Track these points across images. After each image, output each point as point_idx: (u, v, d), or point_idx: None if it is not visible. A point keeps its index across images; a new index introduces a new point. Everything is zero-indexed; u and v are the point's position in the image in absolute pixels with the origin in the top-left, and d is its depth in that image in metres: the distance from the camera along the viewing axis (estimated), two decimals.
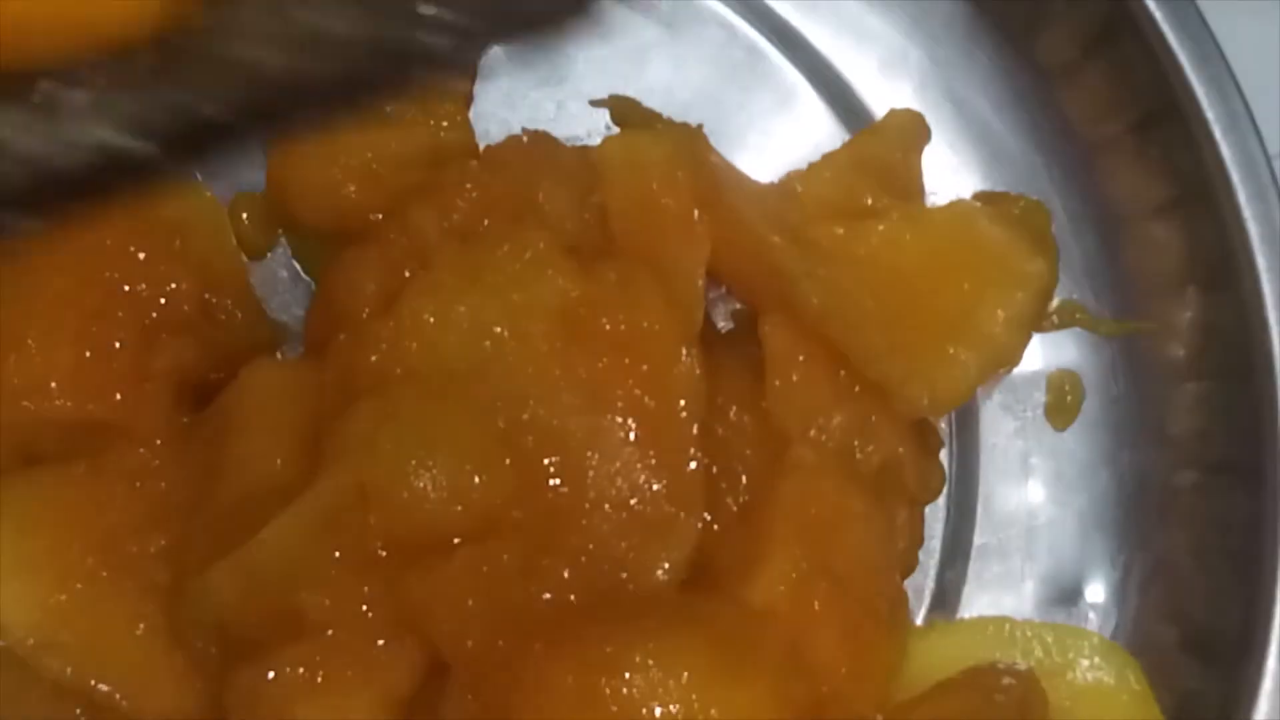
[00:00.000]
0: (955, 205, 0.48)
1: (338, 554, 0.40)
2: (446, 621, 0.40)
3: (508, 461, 0.41)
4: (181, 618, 0.42)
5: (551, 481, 0.41)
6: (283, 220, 0.48)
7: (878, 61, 0.51)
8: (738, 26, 0.51)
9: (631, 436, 0.42)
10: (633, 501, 0.42)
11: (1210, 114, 0.45)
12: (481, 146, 0.48)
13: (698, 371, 0.42)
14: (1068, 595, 0.49)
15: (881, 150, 0.48)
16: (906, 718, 0.44)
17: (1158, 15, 0.45)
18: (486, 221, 0.45)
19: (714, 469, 0.44)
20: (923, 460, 0.47)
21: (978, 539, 0.49)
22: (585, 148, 0.47)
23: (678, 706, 0.39)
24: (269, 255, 0.49)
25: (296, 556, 0.40)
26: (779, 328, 0.45)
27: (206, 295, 0.46)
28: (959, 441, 0.50)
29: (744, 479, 0.44)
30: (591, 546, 0.41)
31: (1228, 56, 0.45)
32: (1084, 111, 0.50)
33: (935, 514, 0.49)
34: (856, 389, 0.45)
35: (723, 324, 0.48)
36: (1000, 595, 0.49)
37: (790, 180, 0.48)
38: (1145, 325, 0.49)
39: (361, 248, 0.45)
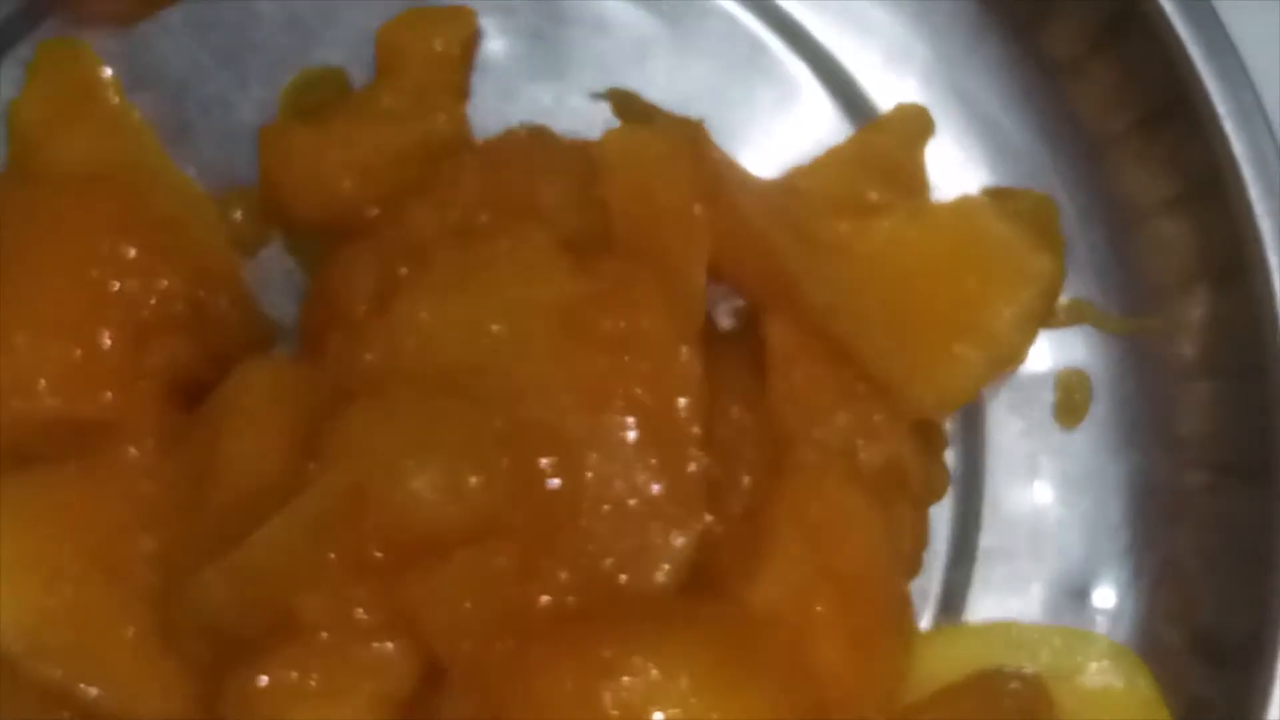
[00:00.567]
0: (961, 201, 0.48)
1: (333, 556, 0.40)
2: (443, 624, 0.40)
3: (506, 462, 0.40)
4: (173, 620, 0.42)
5: (550, 482, 0.41)
6: (276, 216, 0.48)
7: (882, 56, 0.51)
8: (740, 20, 0.51)
9: (631, 436, 0.42)
10: (632, 502, 0.41)
11: (1221, 108, 0.44)
12: (479, 141, 0.47)
13: (698, 370, 0.42)
14: (1076, 597, 0.48)
15: (886, 145, 0.48)
16: None
17: (1167, 7, 0.45)
18: (484, 217, 0.45)
19: (715, 469, 0.43)
20: (927, 461, 0.47)
21: (984, 541, 0.49)
22: (585, 142, 0.47)
23: (678, 710, 0.38)
24: (262, 252, 0.49)
25: (291, 558, 0.39)
26: (782, 326, 0.44)
27: (199, 293, 0.45)
28: (965, 442, 0.49)
29: (746, 479, 0.44)
30: (591, 547, 0.41)
31: (1239, 49, 0.45)
32: (1092, 106, 0.49)
33: (941, 515, 0.49)
34: (860, 388, 0.45)
35: (724, 322, 0.48)
36: (1007, 598, 0.48)
37: (793, 176, 0.48)
38: (1154, 323, 0.49)
39: (357, 244, 0.45)
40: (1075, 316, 0.49)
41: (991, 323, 0.46)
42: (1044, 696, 0.44)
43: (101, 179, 0.46)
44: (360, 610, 0.40)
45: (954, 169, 0.50)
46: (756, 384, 0.44)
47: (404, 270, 0.44)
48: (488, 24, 0.49)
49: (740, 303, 0.48)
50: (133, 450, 0.44)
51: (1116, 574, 0.49)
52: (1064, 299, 0.49)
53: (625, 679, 0.38)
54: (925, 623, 0.48)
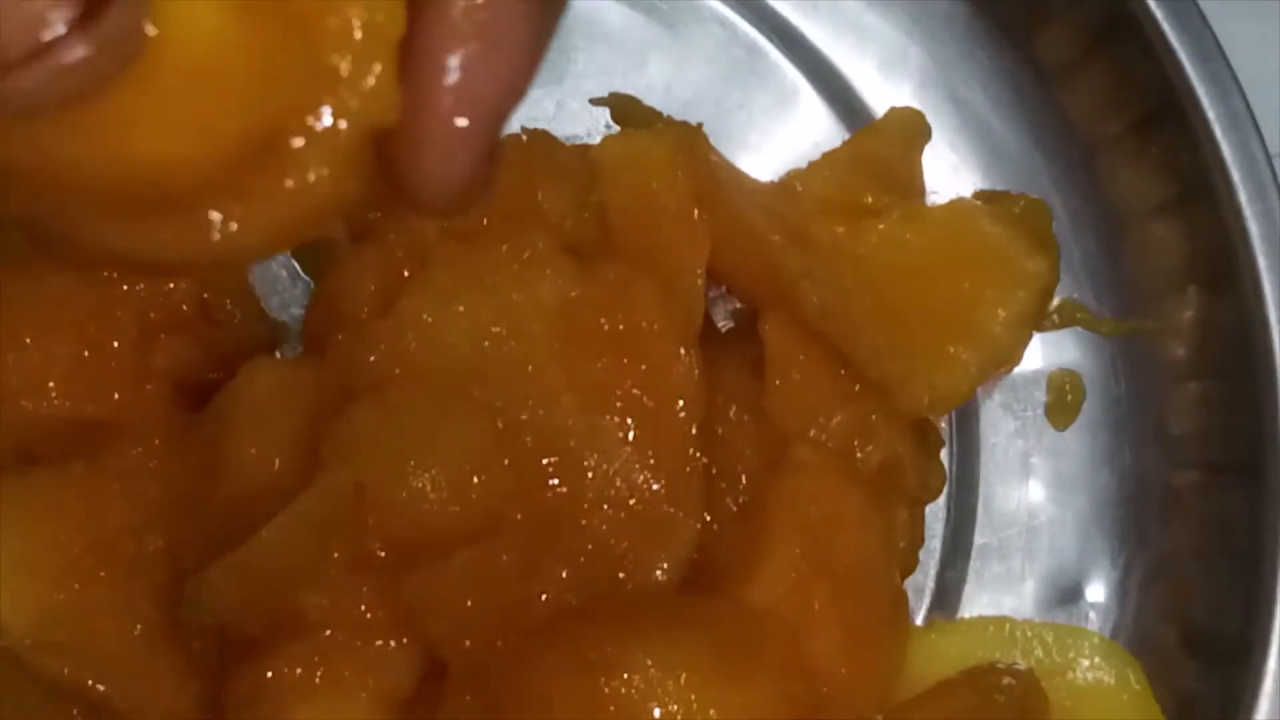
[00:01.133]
0: (956, 204, 0.48)
1: (336, 554, 0.40)
2: (445, 622, 0.40)
3: (506, 462, 0.41)
4: (179, 618, 0.41)
5: (550, 482, 0.41)
6: None
7: (878, 61, 0.51)
8: (738, 25, 0.51)
9: (630, 437, 0.42)
10: (631, 502, 0.42)
11: (1211, 113, 0.45)
12: None
13: (696, 372, 0.42)
14: (1068, 595, 0.49)
15: (882, 148, 0.48)
16: (906, 718, 0.44)
17: (1158, 14, 0.45)
18: (486, 220, 0.45)
19: (713, 469, 0.44)
20: (923, 460, 0.47)
21: (978, 539, 0.49)
22: (585, 146, 0.47)
23: (677, 707, 0.39)
24: None
25: (295, 556, 0.39)
26: (779, 327, 0.45)
27: (205, 295, 0.46)
28: (959, 441, 0.50)
29: (744, 479, 0.44)
30: (590, 547, 0.41)
31: (1228, 55, 0.45)
32: (1084, 110, 0.49)
33: (935, 514, 0.49)
34: (857, 388, 0.45)
35: (722, 323, 0.48)
36: (1000, 595, 0.49)
37: (790, 179, 0.48)
38: (1146, 325, 0.49)
39: (360, 247, 0.45)
40: (1068, 318, 0.49)
41: (986, 324, 0.46)
42: (1037, 692, 0.44)
43: None
44: (362, 608, 0.40)
45: (948, 173, 0.50)
46: (754, 384, 0.45)
47: (407, 272, 0.44)
48: None
49: (738, 304, 0.48)
50: (139, 450, 0.44)
51: (1108, 572, 0.49)
52: (1057, 301, 0.49)
53: (625, 676, 0.39)
54: (919, 619, 0.48)
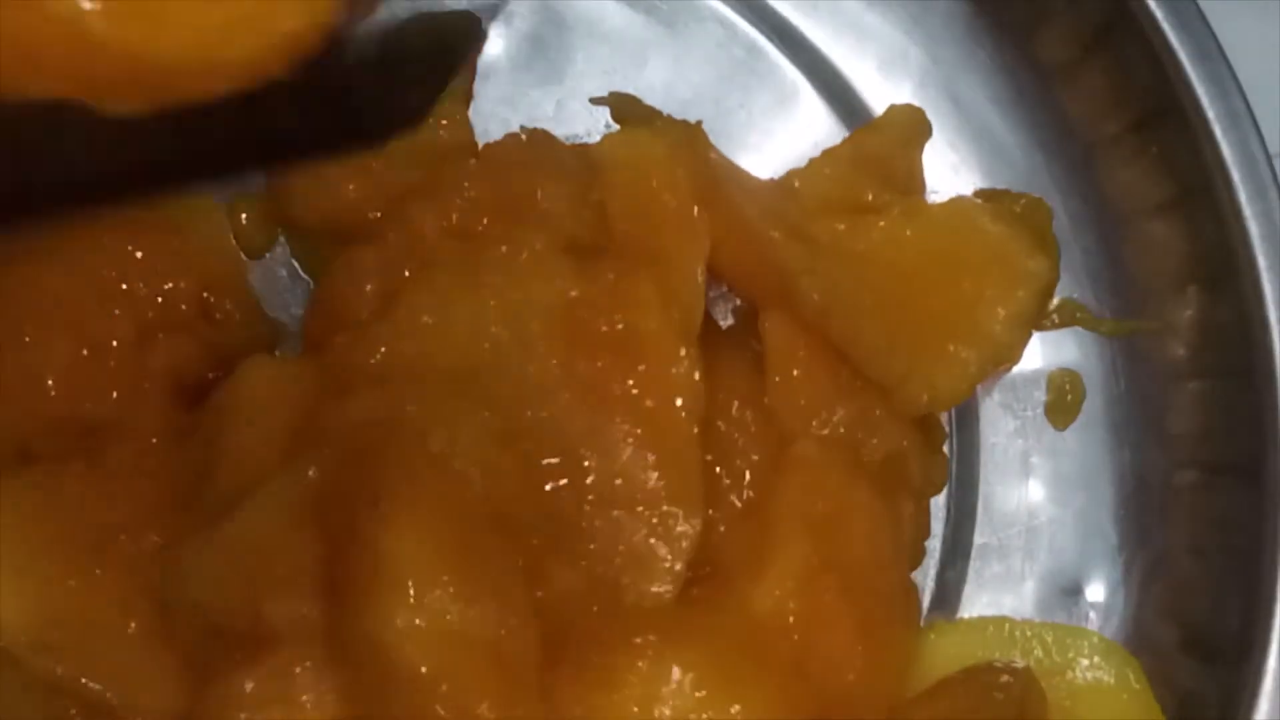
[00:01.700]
0: (956, 202, 0.48)
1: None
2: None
3: (508, 463, 0.41)
4: (166, 602, 0.42)
5: (551, 483, 0.41)
6: (282, 220, 0.48)
7: (877, 60, 0.51)
8: (738, 25, 0.51)
9: (631, 437, 0.42)
10: (634, 501, 0.42)
11: (1210, 112, 0.45)
12: (481, 145, 0.48)
13: (696, 372, 0.42)
14: (1068, 594, 0.49)
15: (882, 146, 0.48)
16: (905, 717, 0.44)
17: (1158, 13, 0.45)
18: (485, 220, 0.45)
19: (717, 466, 0.44)
20: (926, 453, 0.47)
21: (978, 538, 0.49)
22: (584, 146, 0.47)
23: (679, 716, 0.39)
24: (268, 255, 0.49)
25: (270, 534, 0.39)
26: (780, 324, 0.45)
27: (204, 295, 0.46)
28: (959, 441, 0.50)
29: (747, 475, 0.44)
30: (593, 547, 0.41)
31: (1228, 55, 0.45)
32: (1084, 110, 0.49)
33: (935, 513, 0.49)
34: (858, 383, 0.45)
35: (723, 320, 0.48)
36: (1000, 594, 0.49)
37: (790, 176, 0.48)
38: (1146, 324, 0.49)
39: (360, 247, 0.45)
40: (1068, 317, 0.49)
41: (986, 322, 0.46)
42: (1035, 690, 0.44)
43: None
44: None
45: (948, 173, 0.50)
46: (756, 381, 0.45)
47: (407, 273, 0.44)
48: (490, 29, 0.49)
49: (739, 301, 0.48)
50: (137, 449, 0.44)
51: (1108, 571, 0.49)
52: (1057, 300, 0.49)
53: (627, 686, 0.39)
54: (920, 619, 0.48)
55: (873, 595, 0.43)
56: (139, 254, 0.44)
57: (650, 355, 0.42)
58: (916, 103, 0.50)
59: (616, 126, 0.49)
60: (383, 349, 0.42)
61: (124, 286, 0.44)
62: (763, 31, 0.51)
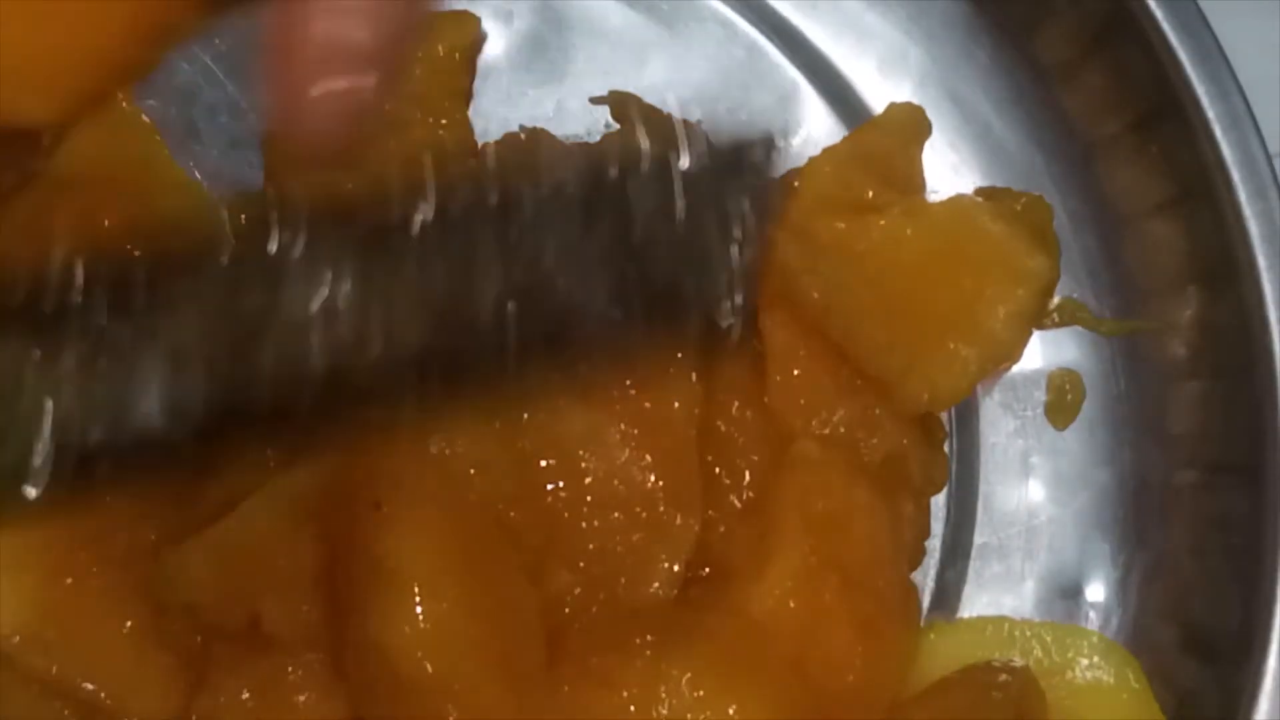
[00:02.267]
0: (956, 200, 0.48)
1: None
2: None
3: (506, 464, 0.41)
4: (159, 602, 0.41)
5: (549, 484, 0.41)
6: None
7: (877, 60, 0.51)
8: (737, 25, 0.51)
9: (629, 438, 0.42)
10: (631, 503, 0.42)
11: (1210, 112, 0.45)
12: (480, 144, 0.48)
13: (694, 373, 0.42)
14: (1068, 594, 0.49)
15: (882, 144, 0.48)
16: (904, 716, 0.44)
17: (1158, 13, 0.45)
18: None
19: (717, 467, 0.44)
20: (926, 452, 0.47)
21: (977, 538, 0.49)
22: (585, 145, 0.47)
23: (676, 718, 0.39)
24: None
25: (267, 534, 0.39)
26: (779, 323, 0.45)
27: None
28: (959, 440, 0.50)
29: (748, 475, 0.44)
30: (591, 547, 0.41)
31: (1228, 54, 0.45)
32: (1084, 109, 0.49)
33: (935, 513, 0.49)
34: (859, 382, 0.45)
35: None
36: (1000, 594, 0.49)
37: (790, 175, 0.48)
38: (1146, 324, 0.49)
39: None
40: (1068, 317, 0.49)
41: (986, 321, 0.45)
42: (1034, 689, 0.44)
43: (109, 181, 0.46)
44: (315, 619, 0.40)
45: (948, 172, 0.50)
46: (756, 380, 0.45)
47: None
48: (489, 28, 0.49)
49: None
50: None
51: (1108, 571, 0.49)
52: (1057, 299, 0.49)
53: (624, 689, 0.39)
54: (920, 619, 0.48)
55: (872, 595, 0.43)
56: (137, 254, 0.44)
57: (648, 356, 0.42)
58: (916, 102, 0.50)
59: (616, 126, 0.49)
60: None
61: None
62: (763, 31, 0.51)
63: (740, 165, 0.27)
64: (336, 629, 0.39)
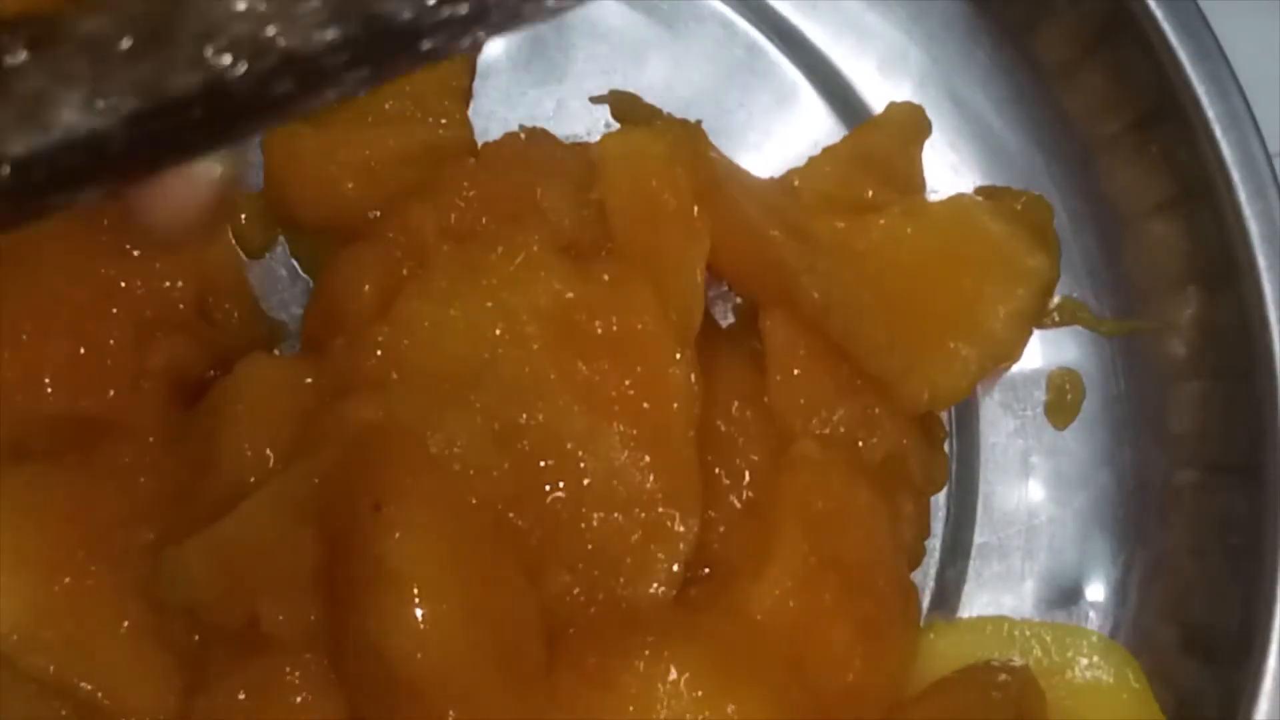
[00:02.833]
0: (956, 199, 0.48)
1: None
2: None
3: (506, 465, 0.41)
4: (158, 600, 0.41)
5: (548, 485, 0.41)
6: (281, 219, 0.48)
7: (877, 60, 0.51)
8: (737, 25, 0.51)
9: (628, 439, 0.42)
10: (630, 504, 0.42)
11: (1210, 112, 0.45)
12: (480, 144, 0.48)
13: (692, 374, 0.42)
14: (1068, 594, 0.49)
15: (882, 143, 0.48)
16: (904, 716, 0.44)
17: (1158, 13, 0.45)
18: (484, 220, 0.45)
19: (717, 466, 0.44)
20: (926, 451, 0.47)
21: (977, 538, 0.49)
22: (584, 145, 0.47)
23: (675, 718, 0.39)
24: (267, 254, 0.49)
25: (267, 534, 0.39)
26: (780, 322, 0.45)
27: (203, 294, 0.46)
28: (959, 440, 0.50)
29: (748, 475, 0.44)
30: (590, 548, 0.41)
31: (1228, 54, 0.45)
32: (1084, 109, 0.50)
33: (935, 513, 0.49)
34: (859, 382, 0.45)
35: (723, 319, 0.48)
36: (1000, 594, 0.49)
37: (790, 174, 0.48)
38: (1146, 324, 0.49)
39: (359, 246, 0.45)
40: (1068, 316, 0.49)
41: (986, 320, 0.46)
42: (1033, 689, 0.44)
43: None
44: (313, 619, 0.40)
45: (948, 172, 0.50)
46: (756, 380, 0.45)
47: (405, 272, 0.44)
48: None
49: (739, 300, 0.48)
50: (133, 447, 0.43)
51: (1108, 571, 0.49)
52: (1057, 299, 0.49)
53: (623, 688, 0.39)
54: (919, 619, 0.48)
55: (872, 595, 0.43)
56: (136, 253, 0.44)
57: (647, 357, 0.42)
58: (916, 102, 0.50)
59: (616, 125, 0.49)
60: (380, 351, 0.42)
61: (122, 285, 0.44)
62: (763, 31, 0.51)
63: None
64: (335, 629, 0.39)
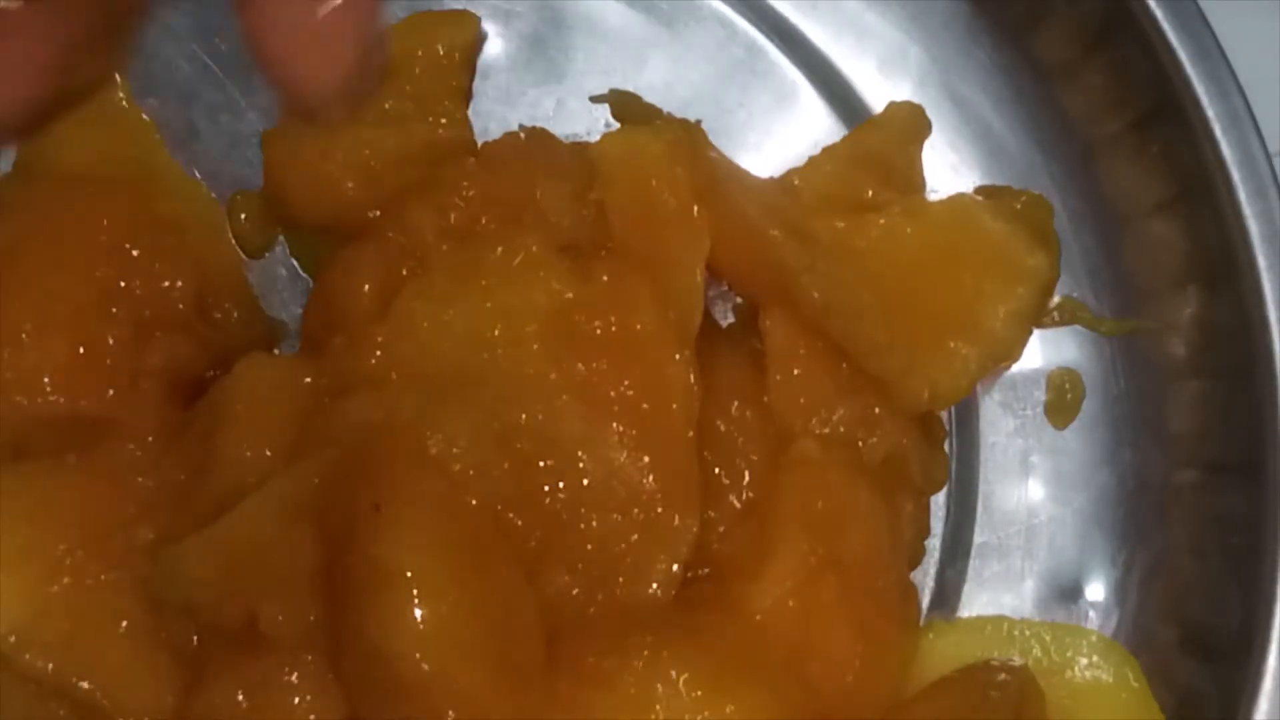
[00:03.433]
0: (956, 199, 0.48)
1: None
2: None
3: (505, 465, 0.41)
4: (157, 599, 0.42)
5: (548, 485, 0.41)
6: (281, 218, 0.48)
7: (877, 59, 0.51)
8: (737, 24, 0.51)
9: (627, 439, 0.42)
10: (629, 504, 0.41)
11: (1210, 111, 0.45)
12: (480, 144, 0.48)
13: (691, 375, 0.42)
14: (1068, 594, 0.49)
15: (882, 143, 0.48)
16: (903, 716, 0.44)
17: (1157, 12, 0.45)
18: (484, 219, 0.45)
19: (717, 466, 0.44)
20: (926, 450, 0.47)
21: (977, 537, 0.49)
22: (584, 144, 0.47)
23: (674, 718, 0.39)
24: (267, 254, 0.49)
25: (266, 534, 0.39)
26: (779, 322, 0.45)
27: (202, 293, 0.46)
28: (959, 440, 0.50)
29: (747, 474, 0.44)
30: (589, 548, 0.41)
31: (1228, 53, 0.45)
32: (1084, 109, 0.49)
33: (935, 512, 0.49)
34: (859, 381, 0.45)
35: (723, 319, 0.48)
36: (1000, 594, 0.49)
37: (790, 174, 0.48)
38: (1146, 323, 0.49)
39: (359, 246, 0.45)
40: (1069, 316, 0.49)
41: (986, 319, 0.46)
42: (1032, 688, 0.44)
43: (109, 180, 0.46)
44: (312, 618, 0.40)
45: (947, 172, 0.50)
46: (756, 380, 0.45)
47: (405, 272, 0.44)
48: (489, 28, 0.50)
49: (739, 299, 0.48)
50: (132, 447, 0.44)
51: (1108, 570, 0.49)
52: (1057, 298, 0.49)
53: (622, 689, 0.39)
54: (919, 618, 0.48)
55: (872, 595, 0.43)
56: (136, 252, 0.44)
57: (645, 358, 0.42)
58: (916, 102, 0.50)
59: (616, 125, 0.49)
60: (380, 351, 0.42)
61: (121, 284, 0.44)
62: (763, 31, 0.51)
63: None
64: (334, 630, 0.39)
